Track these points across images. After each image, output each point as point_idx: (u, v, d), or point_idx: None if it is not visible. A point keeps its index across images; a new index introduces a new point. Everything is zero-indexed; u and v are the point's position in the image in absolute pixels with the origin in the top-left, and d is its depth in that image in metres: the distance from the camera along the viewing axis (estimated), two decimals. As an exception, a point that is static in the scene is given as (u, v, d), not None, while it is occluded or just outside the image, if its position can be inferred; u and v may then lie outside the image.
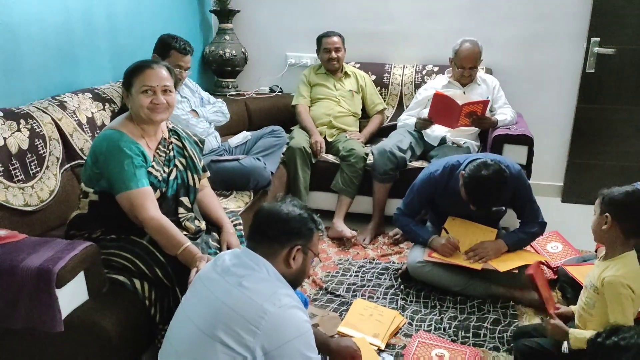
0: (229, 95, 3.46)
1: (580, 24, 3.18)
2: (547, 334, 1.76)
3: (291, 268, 1.37)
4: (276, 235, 1.36)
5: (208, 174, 2.06)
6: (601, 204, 1.67)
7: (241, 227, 2.02)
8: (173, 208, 1.84)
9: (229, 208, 2.30)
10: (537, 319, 2.17)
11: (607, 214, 1.64)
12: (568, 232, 2.69)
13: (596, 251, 2.33)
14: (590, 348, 1.04)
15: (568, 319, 1.86)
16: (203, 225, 1.90)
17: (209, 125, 2.70)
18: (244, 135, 2.80)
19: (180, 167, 1.88)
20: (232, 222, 1.99)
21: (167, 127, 1.92)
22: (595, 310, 1.69)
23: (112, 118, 1.86)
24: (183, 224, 1.83)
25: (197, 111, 2.66)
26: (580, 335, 1.63)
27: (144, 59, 1.89)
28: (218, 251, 1.82)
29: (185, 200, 1.87)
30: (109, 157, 1.69)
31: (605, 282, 1.63)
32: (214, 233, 1.91)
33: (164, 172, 1.82)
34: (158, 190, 1.78)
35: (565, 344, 1.74)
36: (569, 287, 2.25)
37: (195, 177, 1.91)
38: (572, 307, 1.87)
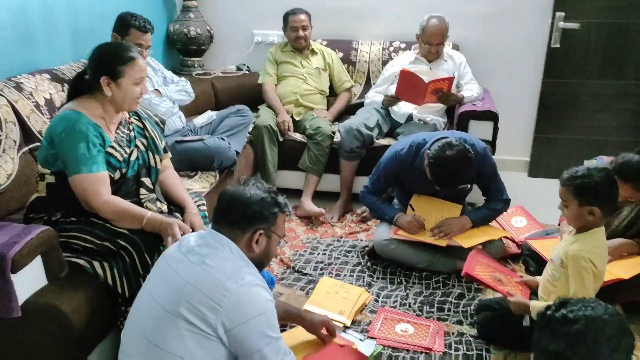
0: (195, 74, 3.40)
1: (545, -1, 3.19)
2: (512, 311, 1.80)
3: (254, 252, 1.37)
4: (237, 219, 1.36)
5: (169, 154, 2.04)
6: (576, 195, 1.65)
7: (205, 207, 2.01)
8: (134, 189, 1.82)
9: (194, 189, 2.28)
10: (500, 292, 2.22)
11: (594, 208, 1.63)
12: (533, 207, 2.74)
13: (559, 224, 2.39)
14: (539, 320, 1.06)
15: (532, 287, 1.92)
16: (164, 207, 1.89)
17: (173, 105, 2.66)
18: (208, 115, 2.76)
19: (142, 147, 1.86)
20: (195, 202, 1.97)
21: None
22: (560, 282, 1.74)
23: (69, 99, 1.80)
24: (144, 205, 1.82)
25: (159, 90, 2.61)
26: (540, 307, 1.67)
27: (117, 43, 1.90)
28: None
29: (146, 181, 1.85)
30: (64, 138, 1.66)
31: (569, 256, 1.67)
32: (176, 214, 1.90)
33: (125, 152, 1.79)
34: (118, 171, 1.76)
35: (526, 317, 1.80)
36: (532, 261, 2.31)
37: (157, 157, 1.89)
38: (538, 278, 1.92)
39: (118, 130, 1.80)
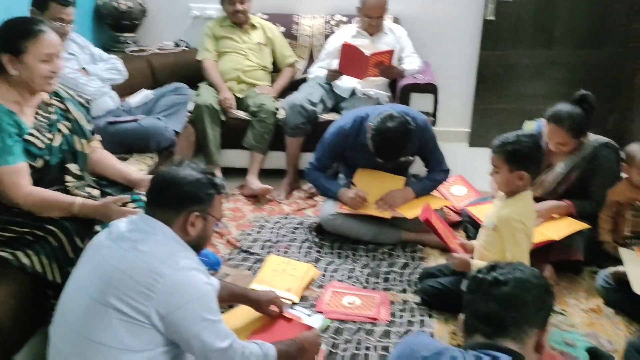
0: (128, 51, 3.22)
1: (480, -28, 3.23)
2: (454, 268, 1.88)
3: (189, 235, 1.33)
4: (170, 201, 1.31)
5: (98, 137, 1.94)
6: (507, 161, 1.71)
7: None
8: (59, 177, 1.72)
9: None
10: (443, 259, 2.29)
11: (523, 172, 1.70)
12: (474, 175, 2.80)
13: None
14: (471, 283, 1.10)
15: (468, 250, 1.99)
16: (95, 192, 1.79)
17: (103, 85, 2.51)
18: (144, 95, 2.63)
19: (65, 131, 1.74)
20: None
21: None
22: (494, 247, 1.81)
23: None
24: (72, 193, 1.72)
25: (87, 69, 2.45)
26: (479, 266, 1.73)
27: (23, 17, 1.72)
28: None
29: (72, 167, 1.75)
30: None
31: (501, 220, 1.74)
32: (110, 196, 1.81)
33: (46, 138, 1.68)
34: (40, 159, 1.65)
35: (464, 281, 1.86)
36: (472, 227, 2.38)
37: (83, 142, 1.79)
38: (474, 242, 2.00)
39: (37, 115, 1.68)
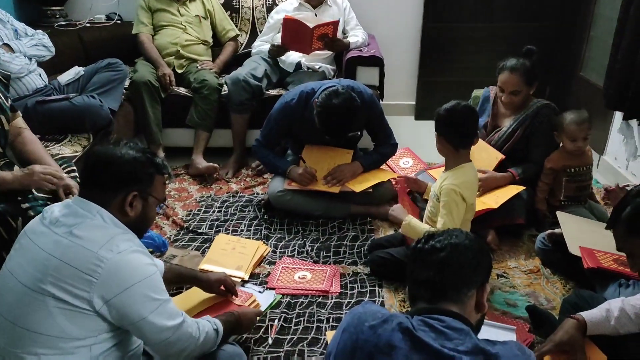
0: (57, 25, 3.01)
1: (422, -57, 3.23)
2: (389, 214, 1.94)
3: (128, 216, 1.27)
4: (107, 181, 1.24)
5: (19, 114, 1.82)
6: (435, 129, 1.80)
7: (76, 174, 1.83)
8: None
9: (63, 154, 2.07)
10: (392, 230, 2.33)
11: (441, 137, 1.78)
12: (420, 148, 2.85)
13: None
14: (411, 253, 1.13)
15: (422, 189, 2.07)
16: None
17: (30, 62, 2.33)
18: (75, 71, 2.47)
19: None
20: (65, 170, 1.79)
21: None
22: (438, 217, 1.84)
23: None
24: None
25: (10, 45, 2.27)
26: (415, 225, 1.80)
27: None
28: (49, 202, 1.63)
29: None
30: None
31: (442, 190, 1.77)
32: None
33: None
34: None
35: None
36: (420, 197, 2.43)
37: (3, 118, 1.66)
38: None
39: None
